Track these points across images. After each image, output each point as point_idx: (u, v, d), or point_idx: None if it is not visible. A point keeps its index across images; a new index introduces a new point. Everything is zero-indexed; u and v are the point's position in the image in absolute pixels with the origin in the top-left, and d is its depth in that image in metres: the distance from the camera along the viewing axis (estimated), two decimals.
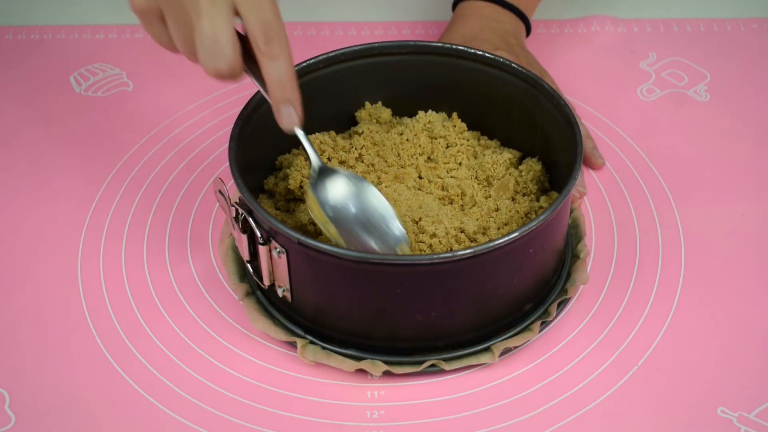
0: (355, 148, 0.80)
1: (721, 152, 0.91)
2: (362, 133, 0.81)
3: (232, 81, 0.66)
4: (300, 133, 0.69)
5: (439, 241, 0.73)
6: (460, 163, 0.81)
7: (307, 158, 0.72)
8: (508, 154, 0.81)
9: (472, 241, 0.74)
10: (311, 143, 0.72)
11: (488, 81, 0.82)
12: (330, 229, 0.71)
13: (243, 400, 0.71)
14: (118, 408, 0.71)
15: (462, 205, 0.78)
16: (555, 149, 0.79)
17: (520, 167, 0.81)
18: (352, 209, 0.72)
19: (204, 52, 0.63)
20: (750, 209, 0.85)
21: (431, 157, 0.81)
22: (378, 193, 0.72)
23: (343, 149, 0.80)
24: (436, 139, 0.82)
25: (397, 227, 0.72)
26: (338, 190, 0.72)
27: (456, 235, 0.74)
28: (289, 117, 0.67)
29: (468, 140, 0.83)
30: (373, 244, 0.71)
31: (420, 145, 0.81)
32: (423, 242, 0.74)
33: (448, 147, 0.82)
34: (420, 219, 0.75)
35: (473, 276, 0.69)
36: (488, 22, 0.94)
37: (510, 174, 0.80)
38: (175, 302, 0.78)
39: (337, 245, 0.69)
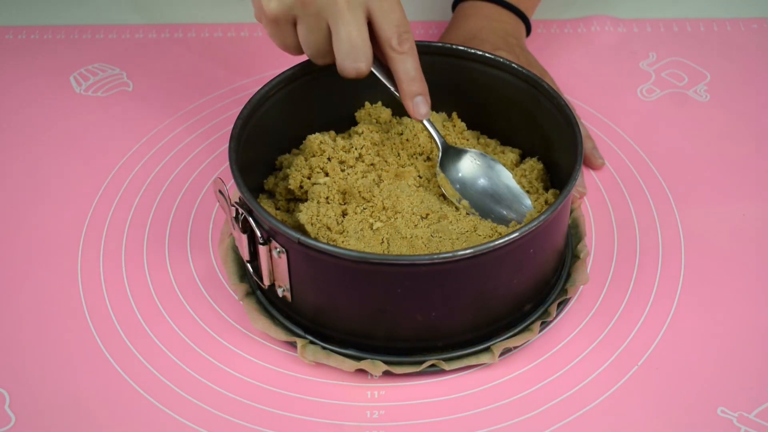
0: (355, 148, 0.80)
1: (721, 152, 0.91)
2: (362, 133, 0.81)
3: (362, 77, 0.73)
4: (427, 122, 0.77)
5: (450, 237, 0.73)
6: None
7: (433, 141, 0.79)
8: (510, 154, 0.82)
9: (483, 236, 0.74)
10: (435, 127, 0.78)
11: (488, 81, 0.82)
12: (463, 203, 0.77)
13: (243, 400, 0.71)
14: (118, 408, 0.71)
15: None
16: (555, 149, 0.79)
17: (523, 166, 0.81)
18: (479, 183, 0.78)
19: (344, 55, 0.71)
20: (750, 209, 0.85)
21: (430, 156, 0.81)
22: (502, 167, 0.79)
23: (343, 149, 0.80)
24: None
25: (524, 197, 0.78)
26: (465, 167, 0.78)
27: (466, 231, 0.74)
28: (422, 107, 0.75)
29: (468, 140, 0.83)
30: (505, 213, 0.77)
31: (419, 145, 0.81)
32: (438, 236, 0.74)
33: None
34: (427, 215, 0.75)
35: (473, 276, 0.69)
36: (488, 22, 0.94)
37: (513, 174, 0.80)
38: (175, 302, 0.78)
39: (336, 246, 0.69)
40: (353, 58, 0.71)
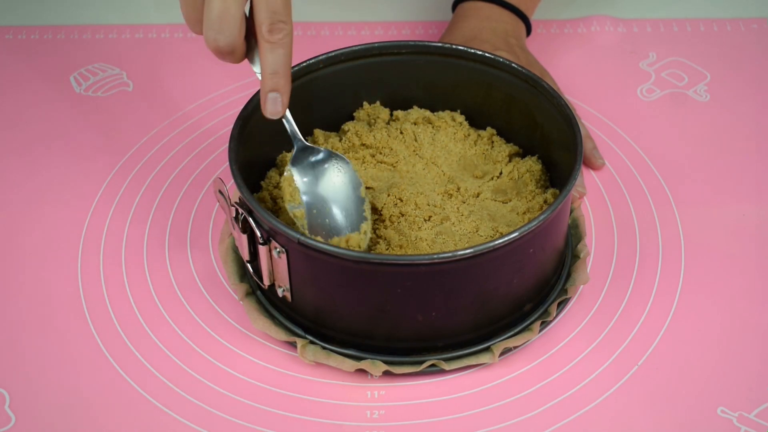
0: (344, 140, 0.81)
1: (721, 152, 0.91)
2: (348, 131, 0.82)
3: (231, 60, 0.67)
4: (284, 120, 0.73)
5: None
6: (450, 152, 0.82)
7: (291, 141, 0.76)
8: (505, 146, 0.82)
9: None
10: (292, 124, 0.74)
11: (488, 81, 0.82)
12: (295, 212, 0.73)
13: (243, 400, 0.71)
14: (118, 408, 0.71)
15: (463, 201, 0.78)
16: (555, 149, 0.79)
17: (515, 164, 0.81)
18: (329, 187, 0.75)
19: (209, 25, 0.65)
20: (750, 209, 0.85)
21: (419, 150, 0.81)
22: (350, 173, 0.75)
23: (333, 148, 0.80)
24: (421, 125, 0.83)
25: (360, 210, 0.74)
26: (312, 170, 0.75)
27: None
28: (274, 106, 0.69)
29: (468, 135, 0.83)
30: (330, 221, 0.73)
31: (411, 134, 0.81)
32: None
33: (437, 134, 0.83)
34: (430, 216, 0.75)
35: (473, 276, 0.69)
36: (488, 23, 0.94)
37: (516, 169, 0.80)
38: (175, 302, 0.78)
39: (335, 245, 0.69)
40: (217, 29, 0.65)
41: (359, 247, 0.72)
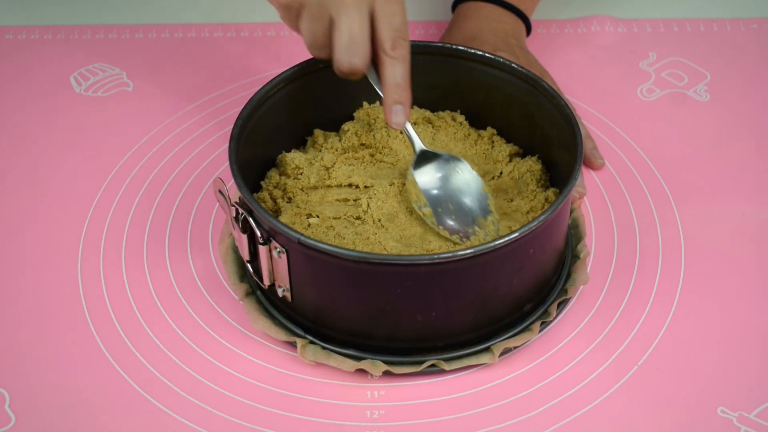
0: (343, 140, 0.81)
1: (721, 152, 0.91)
2: (347, 131, 0.82)
3: (357, 78, 0.73)
4: (407, 127, 0.77)
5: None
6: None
7: (411, 145, 0.79)
8: (506, 146, 0.82)
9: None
10: (413, 132, 0.77)
11: (488, 81, 0.82)
12: (424, 210, 0.76)
13: (243, 400, 0.71)
14: (118, 408, 0.71)
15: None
16: (555, 149, 0.79)
17: (516, 164, 0.81)
18: (440, 189, 0.77)
19: (342, 50, 0.71)
20: (750, 209, 0.85)
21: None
22: (468, 173, 0.78)
23: (333, 147, 0.81)
24: (421, 124, 0.83)
25: (481, 205, 0.77)
26: (433, 172, 0.78)
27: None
28: (398, 117, 0.74)
29: (468, 135, 0.83)
30: (451, 223, 0.76)
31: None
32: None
33: (437, 133, 0.83)
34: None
35: (473, 276, 0.69)
36: (488, 23, 0.94)
37: (516, 169, 0.80)
38: (175, 302, 0.78)
39: (336, 246, 0.69)
40: (351, 52, 0.71)
41: (489, 233, 0.75)
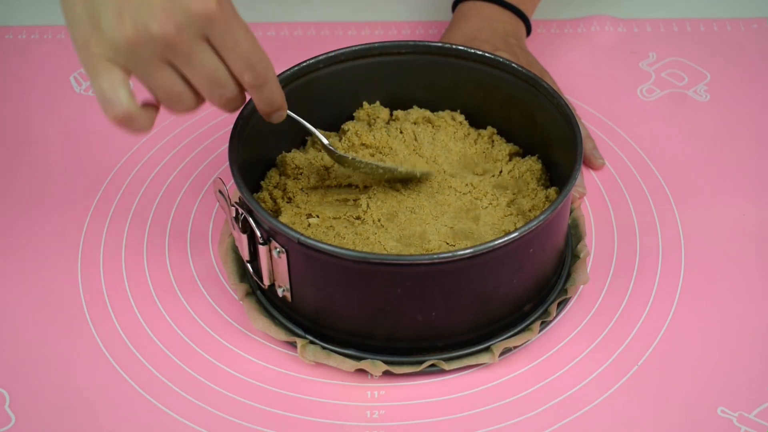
0: (344, 140, 0.81)
1: (721, 152, 0.91)
2: (347, 131, 0.82)
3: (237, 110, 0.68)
4: (294, 116, 0.74)
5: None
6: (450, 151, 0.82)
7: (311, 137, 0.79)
8: (506, 145, 0.82)
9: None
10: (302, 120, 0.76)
11: (488, 81, 0.82)
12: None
13: (243, 400, 0.71)
14: (118, 408, 0.71)
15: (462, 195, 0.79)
16: (555, 149, 0.79)
17: (515, 163, 0.81)
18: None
19: (209, 88, 0.64)
20: (750, 209, 0.85)
21: (419, 149, 0.81)
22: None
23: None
24: (421, 124, 0.83)
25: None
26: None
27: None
28: (279, 118, 0.71)
29: (468, 135, 0.83)
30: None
31: (411, 134, 0.82)
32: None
33: (436, 133, 0.83)
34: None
35: (473, 276, 0.69)
36: (488, 23, 0.94)
37: (516, 168, 0.80)
38: (175, 302, 0.78)
39: (337, 246, 0.69)
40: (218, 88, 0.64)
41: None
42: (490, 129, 0.84)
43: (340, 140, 0.82)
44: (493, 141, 0.83)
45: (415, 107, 0.85)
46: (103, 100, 0.63)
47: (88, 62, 0.62)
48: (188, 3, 0.60)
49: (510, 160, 0.82)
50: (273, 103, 0.69)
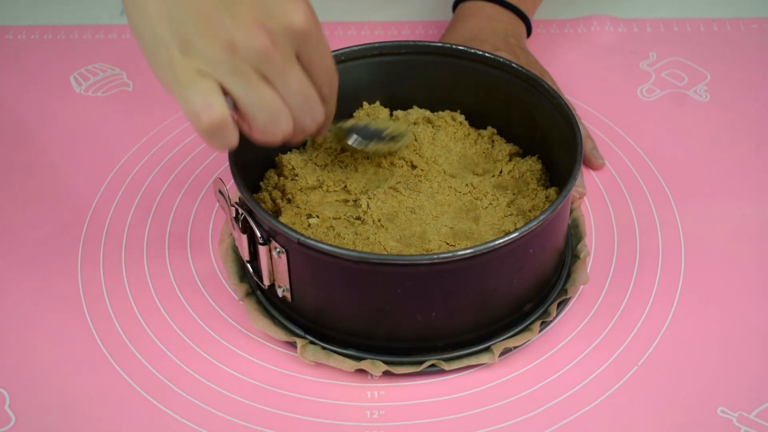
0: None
1: (721, 152, 0.91)
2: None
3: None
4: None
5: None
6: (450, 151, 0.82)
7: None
8: (506, 146, 0.82)
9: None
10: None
11: (488, 81, 0.82)
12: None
13: (243, 400, 0.71)
14: (118, 408, 0.71)
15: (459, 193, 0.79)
16: (555, 149, 0.79)
17: (515, 164, 0.81)
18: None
19: (301, 108, 0.63)
20: (750, 209, 0.85)
21: (419, 149, 0.81)
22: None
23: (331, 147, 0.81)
24: (421, 124, 0.83)
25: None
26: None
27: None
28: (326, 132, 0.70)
29: (468, 135, 0.83)
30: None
31: (411, 134, 0.82)
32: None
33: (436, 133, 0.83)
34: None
35: (473, 276, 0.69)
36: (489, 23, 0.94)
37: (516, 168, 0.80)
38: (175, 302, 0.78)
39: (336, 246, 0.69)
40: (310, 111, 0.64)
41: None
42: (490, 129, 0.84)
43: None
44: (493, 141, 0.84)
45: (415, 107, 0.85)
46: (194, 111, 0.59)
47: (175, 78, 0.60)
48: (287, 17, 0.59)
49: (510, 160, 0.82)
50: (331, 116, 0.68)
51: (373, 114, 0.84)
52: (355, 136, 0.78)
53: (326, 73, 0.64)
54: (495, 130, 0.84)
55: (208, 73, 0.59)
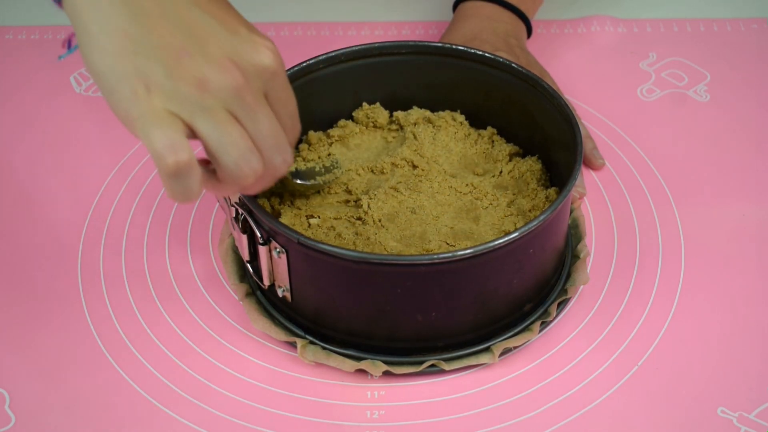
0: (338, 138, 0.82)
1: (721, 152, 0.91)
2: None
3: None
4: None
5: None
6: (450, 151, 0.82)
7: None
8: (506, 146, 0.82)
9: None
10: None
11: (488, 81, 0.82)
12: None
13: (243, 400, 0.71)
14: (118, 408, 0.71)
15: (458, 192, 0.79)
16: (555, 149, 0.79)
17: (515, 164, 0.81)
18: None
19: (271, 149, 0.60)
20: (750, 209, 0.85)
21: (419, 149, 0.81)
22: None
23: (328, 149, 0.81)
24: (421, 124, 0.83)
25: None
26: None
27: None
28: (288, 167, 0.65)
29: (468, 135, 0.83)
30: None
31: (411, 134, 0.82)
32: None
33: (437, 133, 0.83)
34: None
35: (473, 276, 0.69)
36: (489, 23, 0.94)
37: (516, 168, 0.80)
38: (175, 302, 0.78)
39: (336, 246, 0.69)
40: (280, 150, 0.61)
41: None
42: (490, 129, 0.84)
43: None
44: (493, 141, 0.84)
45: (415, 107, 0.85)
46: (159, 151, 0.55)
47: (140, 115, 0.56)
48: (257, 55, 0.58)
49: (510, 160, 0.82)
50: (292, 162, 0.65)
51: (372, 114, 0.84)
52: (298, 180, 0.77)
53: (290, 116, 0.62)
54: (495, 130, 0.84)
55: (176, 111, 0.56)
